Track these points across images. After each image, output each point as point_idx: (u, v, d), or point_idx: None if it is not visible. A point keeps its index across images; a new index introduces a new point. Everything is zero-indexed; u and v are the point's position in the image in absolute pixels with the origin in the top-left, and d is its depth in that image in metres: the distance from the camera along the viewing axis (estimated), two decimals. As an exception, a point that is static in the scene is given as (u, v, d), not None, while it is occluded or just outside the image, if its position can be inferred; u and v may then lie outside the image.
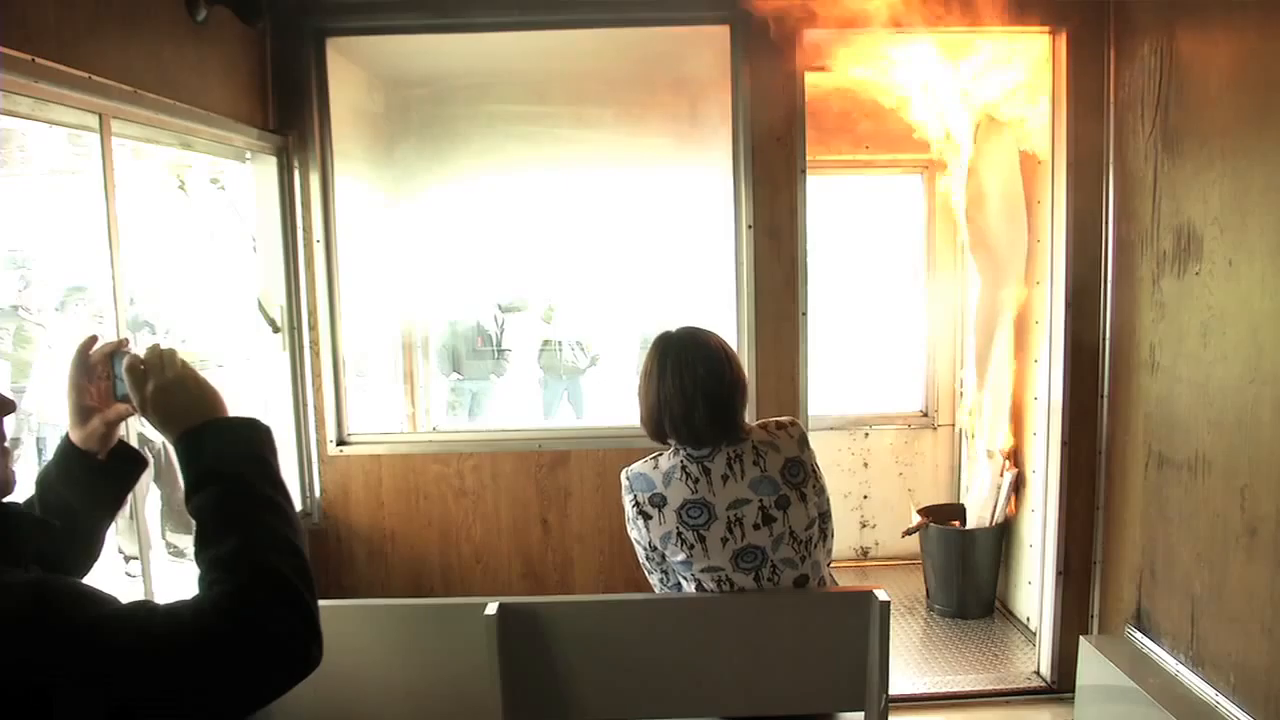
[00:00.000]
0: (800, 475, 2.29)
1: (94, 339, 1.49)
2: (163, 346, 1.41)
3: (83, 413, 1.48)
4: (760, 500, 2.25)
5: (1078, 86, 3.55)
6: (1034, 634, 4.08)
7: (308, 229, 3.60)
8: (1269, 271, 2.62)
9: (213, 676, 1.10)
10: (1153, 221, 3.22)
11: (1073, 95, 3.56)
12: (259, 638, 1.13)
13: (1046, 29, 3.62)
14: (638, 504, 2.29)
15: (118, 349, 1.47)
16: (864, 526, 5.48)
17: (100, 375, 1.47)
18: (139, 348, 1.44)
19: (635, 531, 2.34)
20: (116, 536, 4.93)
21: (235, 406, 1.39)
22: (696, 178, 3.92)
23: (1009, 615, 4.66)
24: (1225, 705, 2.82)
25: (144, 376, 1.37)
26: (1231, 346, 2.80)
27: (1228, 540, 2.81)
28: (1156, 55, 3.17)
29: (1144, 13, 3.27)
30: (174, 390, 1.36)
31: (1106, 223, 3.53)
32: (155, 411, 1.36)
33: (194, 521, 1.25)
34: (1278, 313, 2.58)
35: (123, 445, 1.54)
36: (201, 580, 1.18)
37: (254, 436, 1.34)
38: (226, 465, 1.28)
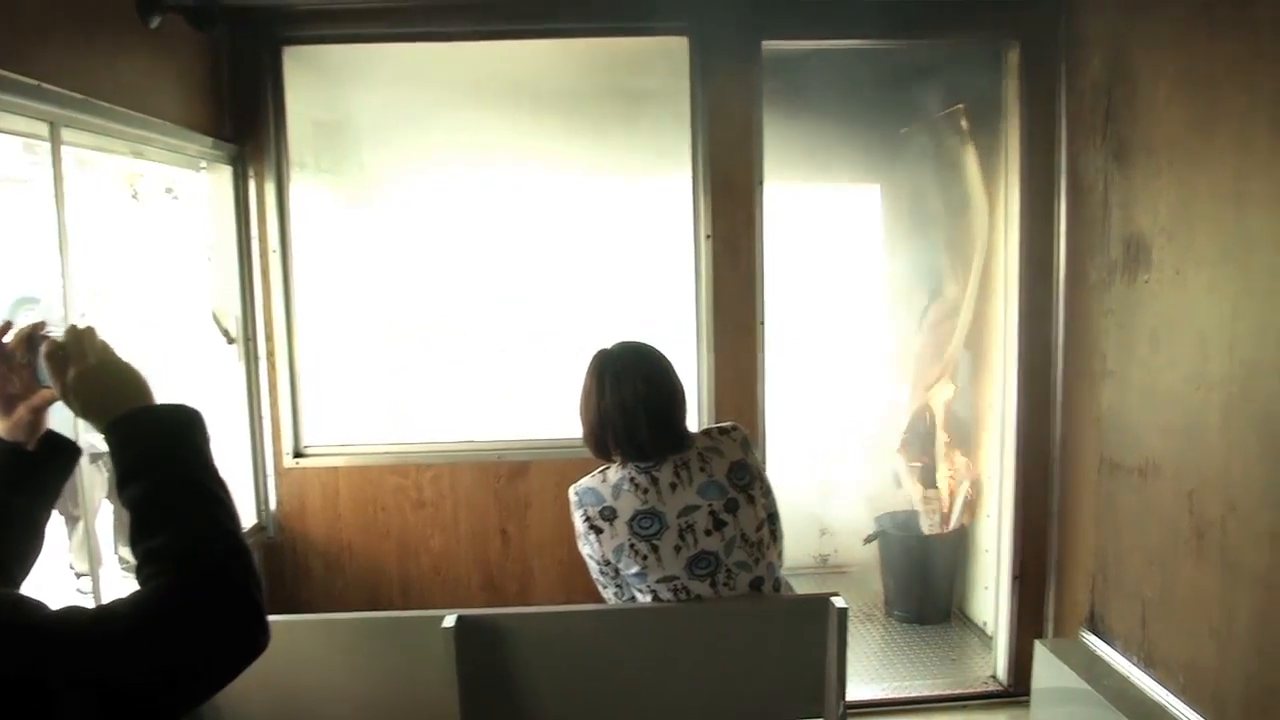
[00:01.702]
0: (746, 478, 2.31)
1: (8, 325, 1.43)
2: (80, 326, 1.35)
3: (5, 402, 1.42)
4: (709, 505, 2.26)
5: (1030, 97, 3.61)
6: (990, 638, 4.12)
7: (263, 239, 3.57)
8: (1214, 279, 2.67)
9: (158, 668, 1.07)
10: (1103, 231, 3.27)
11: (1025, 105, 3.61)
12: (203, 627, 1.11)
13: (1001, 41, 3.67)
14: (588, 518, 2.30)
15: (34, 333, 1.41)
16: (823, 534, 5.51)
17: (20, 361, 1.41)
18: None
19: (587, 547, 2.34)
20: (69, 554, 4.84)
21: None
22: (657, 188, 3.93)
23: (966, 620, 4.70)
24: (1175, 705, 2.86)
25: (64, 362, 1.31)
26: (1179, 353, 2.85)
27: (1176, 544, 2.86)
28: (1107, 67, 3.23)
29: (1094, 25, 3.33)
30: (97, 377, 1.30)
31: (1059, 232, 3.58)
32: (78, 399, 1.30)
33: (127, 513, 1.20)
34: (1222, 320, 2.63)
35: (52, 434, 1.48)
36: (139, 573, 1.14)
37: (185, 423, 1.29)
38: (158, 454, 1.23)
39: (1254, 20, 2.49)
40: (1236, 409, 2.58)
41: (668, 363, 2.38)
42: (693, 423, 2.46)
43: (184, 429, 1.28)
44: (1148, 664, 3.05)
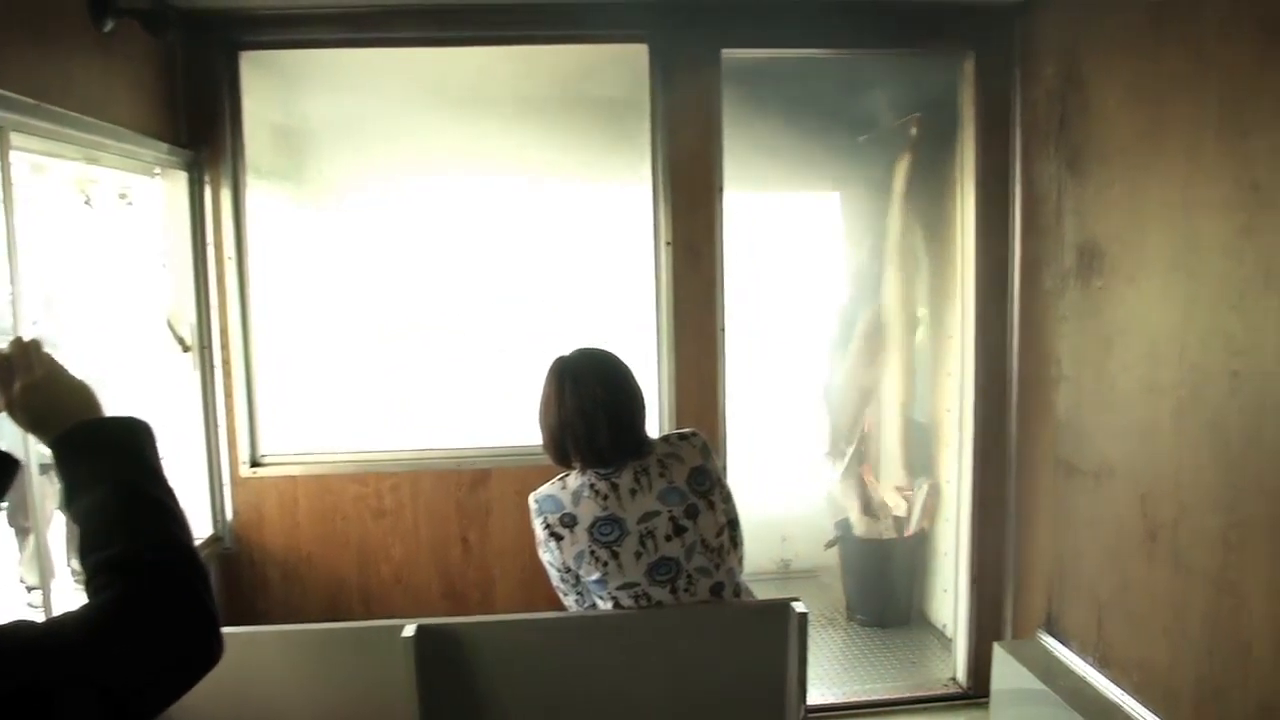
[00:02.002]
0: (706, 484, 2.32)
1: None
2: (25, 338, 1.33)
3: None
4: (670, 511, 2.26)
5: (986, 106, 3.66)
6: (950, 641, 4.16)
7: (219, 246, 3.52)
8: (1165, 285, 2.72)
9: (111, 680, 1.05)
10: (1057, 238, 3.32)
11: (981, 115, 3.66)
12: (157, 637, 1.10)
13: (957, 51, 3.72)
14: (548, 526, 2.29)
15: None
16: (784, 539, 5.53)
17: None
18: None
19: (548, 554, 2.33)
20: (20, 567, 4.74)
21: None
22: (619, 194, 3.93)
23: (926, 623, 4.75)
24: (1130, 704, 2.91)
25: (9, 375, 1.29)
26: (1132, 358, 2.90)
27: (1130, 546, 2.91)
28: (1060, 77, 3.29)
29: (1047, 36, 3.39)
30: (44, 389, 1.28)
31: (1013, 239, 3.63)
32: (25, 412, 1.28)
33: (76, 527, 1.19)
34: (1173, 325, 2.68)
35: None
36: (89, 586, 1.13)
37: (133, 435, 1.27)
38: (107, 466, 1.22)
39: (1199, 34, 2.55)
40: (1187, 413, 2.63)
41: (627, 368, 2.38)
42: (653, 429, 2.47)
43: (133, 441, 1.27)
44: (1103, 664, 3.10)
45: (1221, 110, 2.47)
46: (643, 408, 2.37)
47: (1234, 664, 2.46)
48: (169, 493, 1.25)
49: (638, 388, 2.37)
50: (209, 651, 1.14)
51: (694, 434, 2.41)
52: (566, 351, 2.40)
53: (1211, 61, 2.50)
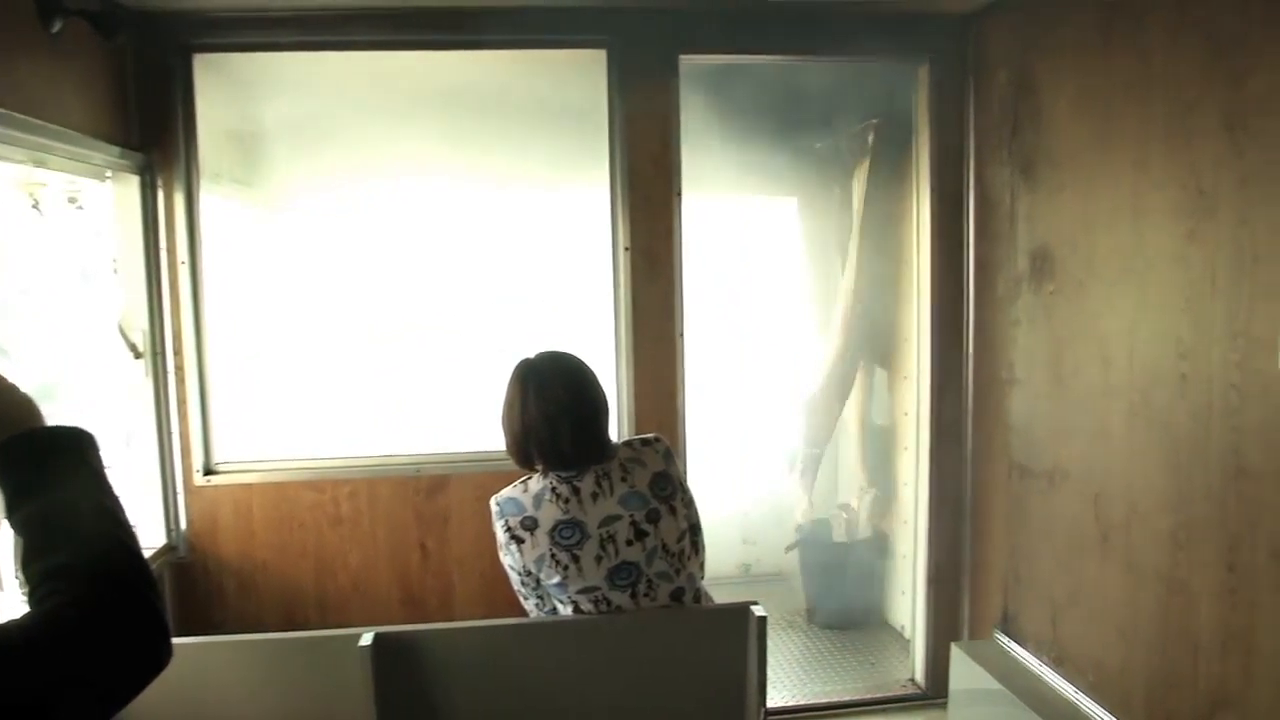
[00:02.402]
0: (668, 489, 2.32)
1: None
2: None
3: None
4: (631, 516, 2.27)
5: (940, 113, 3.70)
6: (909, 642, 4.19)
7: (171, 250, 3.46)
8: (1114, 291, 2.77)
9: (58, 686, 1.03)
10: (1010, 243, 3.37)
11: (935, 121, 3.71)
12: (105, 641, 1.07)
13: (912, 58, 3.76)
14: (509, 529, 2.28)
15: None
16: (745, 543, 5.55)
17: None
18: None
19: (509, 558, 2.33)
20: (-36, 577, 4.63)
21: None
22: (578, 199, 3.93)
23: (885, 625, 4.78)
24: (1085, 702, 2.95)
25: None
26: (1083, 362, 2.95)
27: (1084, 546, 2.95)
28: (1013, 84, 3.33)
29: (1000, 43, 3.44)
30: None
31: (967, 244, 3.68)
32: None
33: (19, 537, 1.16)
34: (1123, 330, 2.73)
35: None
36: (33, 595, 1.10)
37: (75, 443, 1.25)
38: (49, 474, 1.19)
39: (1146, 45, 2.60)
40: (1138, 415, 2.68)
41: (591, 372, 2.38)
42: (613, 434, 2.47)
43: (75, 448, 1.24)
44: (1058, 663, 3.14)
45: (1168, 117, 2.52)
46: (606, 411, 2.37)
47: (1184, 662, 2.51)
48: (114, 499, 1.23)
49: (601, 391, 2.38)
50: (157, 657, 1.12)
51: (657, 439, 2.41)
52: (530, 354, 2.39)
53: (1158, 70, 2.55)
